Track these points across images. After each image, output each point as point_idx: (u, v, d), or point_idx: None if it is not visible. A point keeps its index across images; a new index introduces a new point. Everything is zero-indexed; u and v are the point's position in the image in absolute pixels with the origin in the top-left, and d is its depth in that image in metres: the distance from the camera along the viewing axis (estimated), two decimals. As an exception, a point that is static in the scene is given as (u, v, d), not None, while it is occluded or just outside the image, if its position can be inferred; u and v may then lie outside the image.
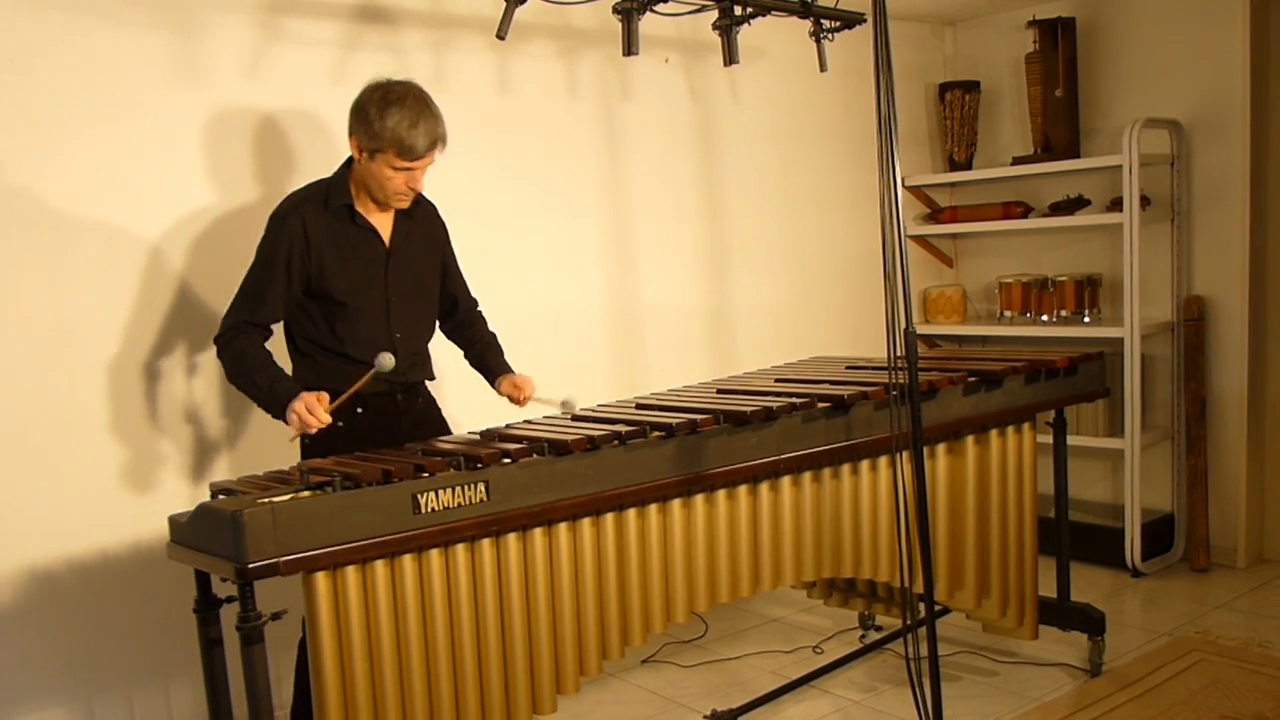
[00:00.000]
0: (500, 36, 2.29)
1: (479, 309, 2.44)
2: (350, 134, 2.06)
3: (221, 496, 1.70)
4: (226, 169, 2.46)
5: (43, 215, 2.23)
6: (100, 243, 2.30)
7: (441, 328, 2.39)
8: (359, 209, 2.12)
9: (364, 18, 2.63)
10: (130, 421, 2.36)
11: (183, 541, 1.70)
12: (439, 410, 2.32)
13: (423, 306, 2.26)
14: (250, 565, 1.54)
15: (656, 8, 2.36)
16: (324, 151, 2.58)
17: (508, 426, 2.08)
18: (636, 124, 3.17)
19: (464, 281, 2.40)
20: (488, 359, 2.36)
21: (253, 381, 2.02)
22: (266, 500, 1.57)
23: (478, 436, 2.00)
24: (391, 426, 2.15)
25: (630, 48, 2.35)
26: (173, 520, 1.72)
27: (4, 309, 2.19)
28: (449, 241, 2.34)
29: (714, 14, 2.54)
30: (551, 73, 2.98)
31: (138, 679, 2.39)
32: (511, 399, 2.29)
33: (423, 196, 2.25)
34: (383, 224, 2.16)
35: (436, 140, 2.05)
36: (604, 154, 3.11)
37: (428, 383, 2.30)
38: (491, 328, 2.43)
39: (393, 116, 1.99)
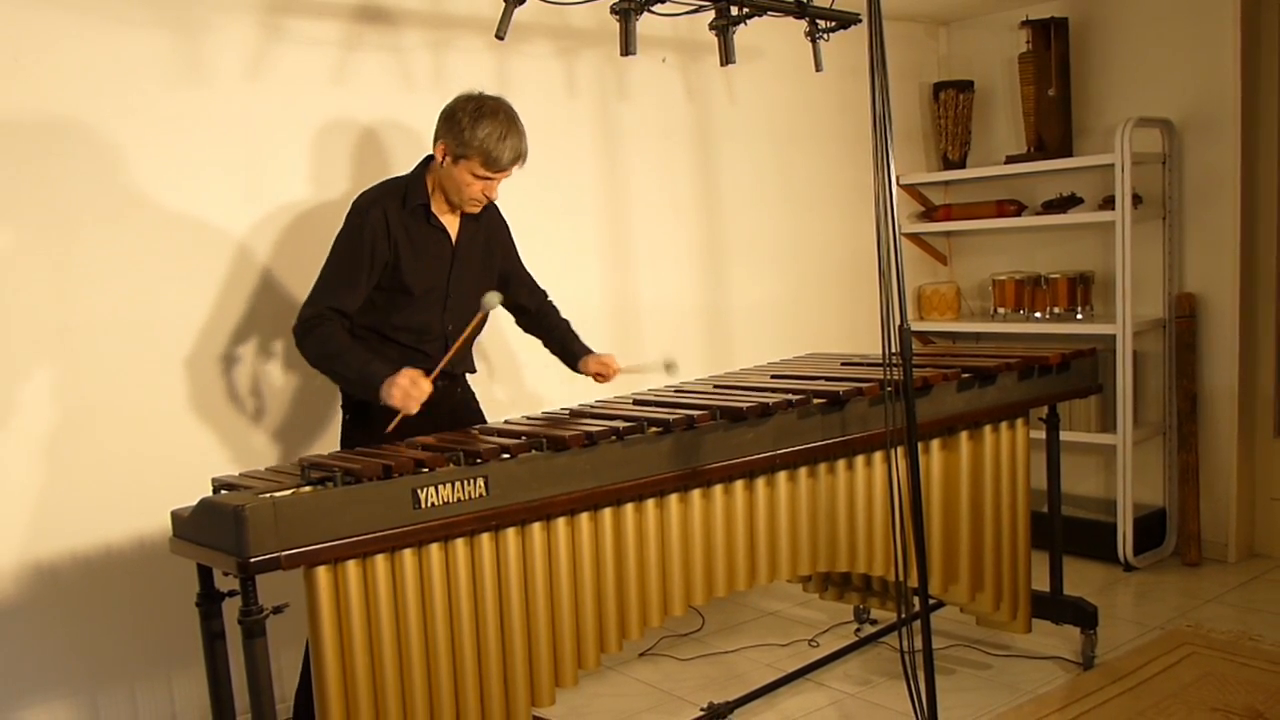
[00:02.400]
0: (499, 36, 2.31)
1: (549, 299, 2.54)
2: (437, 138, 2.15)
3: (224, 491, 1.71)
4: (226, 167, 2.47)
5: (45, 213, 2.24)
6: (101, 239, 2.30)
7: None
8: (434, 209, 2.21)
9: (364, 18, 2.64)
10: (134, 416, 2.37)
11: (185, 536, 1.71)
12: (476, 401, 2.41)
13: (475, 303, 2.32)
14: (252, 559, 1.55)
15: (654, 8, 2.37)
16: (325, 148, 2.60)
17: (506, 421, 2.10)
18: (634, 123, 3.18)
19: (530, 277, 2.50)
20: (568, 344, 2.47)
21: (345, 363, 2.06)
22: (268, 495, 1.59)
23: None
24: (431, 413, 2.17)
25: (628, 48, 2.36)
26: (175, 515, 1.73)
27: (13, 306, 2.20)
28: (512, 243, 2.45)
29: (711, 14, 2.55)
30: (550, 72, 3.00)
31: (141, 672, 2.41)
32: (599, 377, 2.40)
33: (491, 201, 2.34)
34: (451, 225, 2.26)
35: (520, 156, 2.15)
36: (602, 153, 3.13)
37: (468, 376, 2.39)
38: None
39: (484, 128, 2.09)
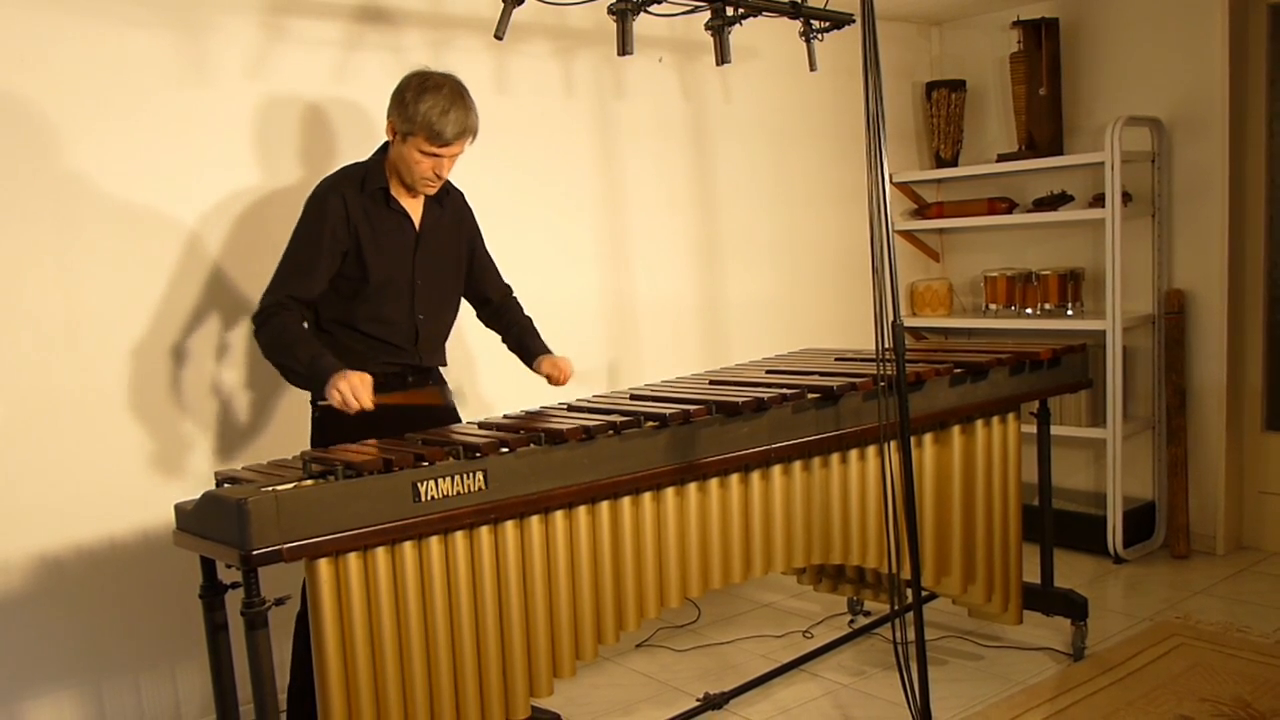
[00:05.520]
0: (498, 36, 2.32)
1: (513, 295, 2.50)
2: (387, 115, 2.12)
3: (227, 485, 1.72)
4: (226, 165, 2.48)
5: (51, 209, 2.25)
6: (107, 236, 2.32)
7: (479, 316, 2.47)
8: (393, 193, 2.18)
9: (365, 18, 2.66)
10: (141, 409, 2.39)
11: (189, 529, 1.72)
12: (451, 397, 2.37)
13: (446, 292, 2.31)
14: (255, 552, 1.56)
15: (650, 8, 2.39)
16: (325, 148, 2.62)
17: (504, 416, 2.12)
18: (631, 122, 3.20)
19: (496, 269, 2.46)
20: (525, 341, 2.42)
21: (294, 356, 2.02)
22: (270, 488, 1.60)
23: (475, 426, 2.04)
24: (404, 410, 2.18)
25: (625, 48, 2.37)
26: (179, 508, 1.75)
27: (16, 299, 2.22)
28: (478, 231, 2.40)
29: (706, 15, 2.56)
30: (548, 72, 3.02)
31: (145, 663, 2.43)
32: (550, 379, 2.35)
33: (453, 186, 2.31)
34: (414, 209, 2.22)
35: (466, 130, 2.10)
36: (599, 151, 3.15)
37: (440, 368, 2.35)
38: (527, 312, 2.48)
39: (426, 102, 2.05)
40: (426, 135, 2.07)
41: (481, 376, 2.90)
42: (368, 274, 2.15)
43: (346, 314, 2.18)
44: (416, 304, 2.22)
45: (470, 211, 2.38)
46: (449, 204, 2.29)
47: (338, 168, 2.25)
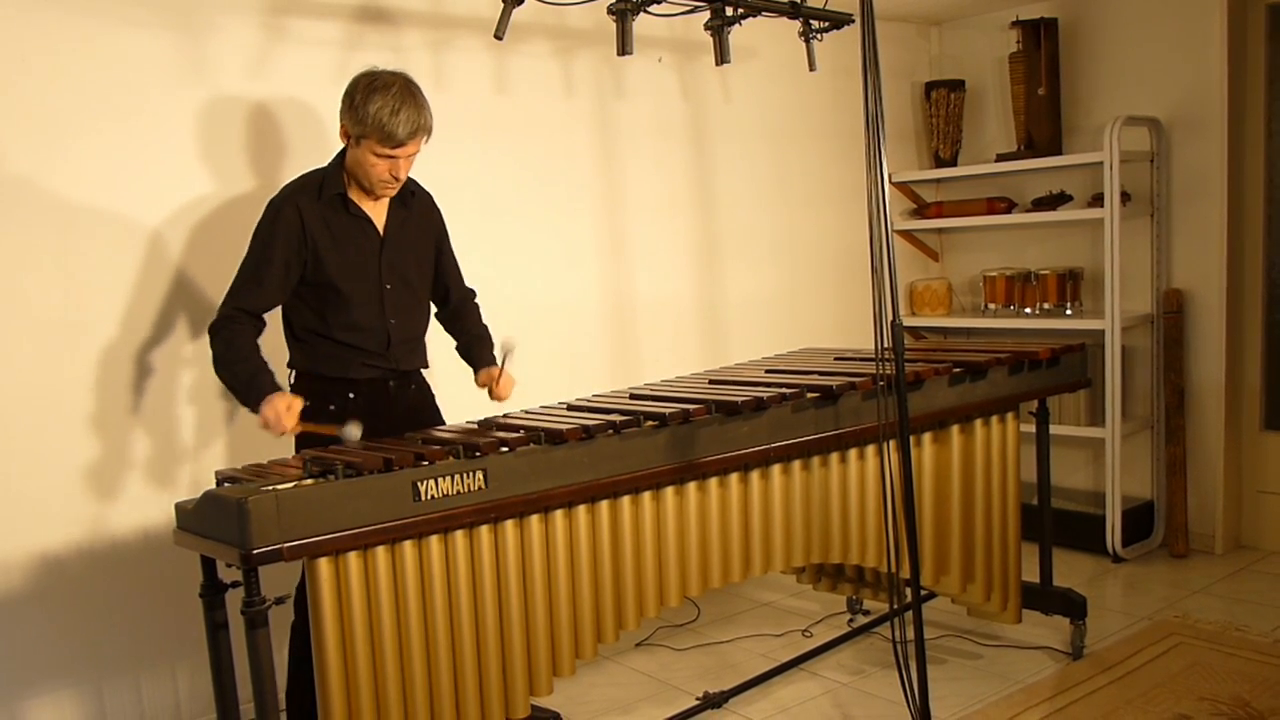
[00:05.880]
0: (498, 36, 2.32)
1: (474, 300, 2.45)
2: (340, 119, 2.09)
3: (227, 484, 1.72)
4: (228, 162, 2.49)
5: (51, 208, 2.26)
6: (108, 235, 2.33)
7: (437, 316, 2.41)
8: (352, 198, 2.14)
9: (365, 18, 2.66)
10: (139, 409, 2.39)
11: (189, 528, 1.73)
12: (433, 397, 2.35)
13: (416, 295, 2.28)
14: (255, 551, 1.56)
15: (650, 8, 2.39)
16: (326, 148, 2.62)
17: (505, 416, 2.12)
18: (631, 122, 3.21)
19: (459, 272, 2.41)
20: (474, 350, 2.37)
21: (233, 372, 2.02)
22: (270, 488, 1.60)
23: (475, 426, 2.04)
24: (383, 413, 2.18)
25: (625, 48, 2.38)
26: (179, 507, 1.75)
27: (14, 299, 2.22)
28: (445, 231, 2.36)
29: (706, 15, 2.56)
30: (548, 72, 3.02)
31: (145, 662, 2.43)
32: (490, 393, 2.30)
33: (419, 186, 2.27)
34: (376, 212, 2.18)
35: (418, 129, 2.05)
36: (599, 151, 3.15)
37: (422, 370, 2.33)
38: (485, 320, 2.46)
39: (375, 103, 2.01)
40: (378, 137, 2.02)
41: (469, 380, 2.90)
42: (332, 282, 2.12)
43: (319, 323, 2.15)
44: (386, 308, 2.19)
45: (438, 212, 2.34)
46: (414, 205, 2.25)
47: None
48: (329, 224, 2.12)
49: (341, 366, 2.14)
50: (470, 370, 2.38)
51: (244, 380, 2.01)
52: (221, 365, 2.05)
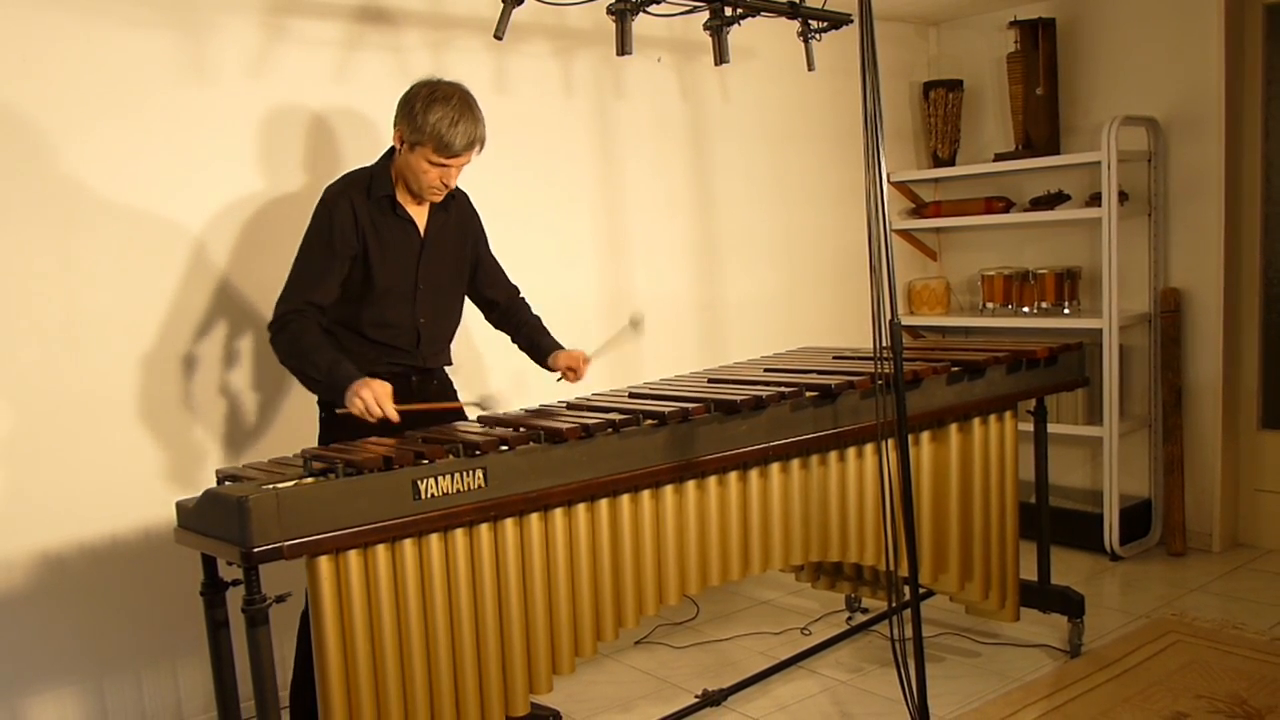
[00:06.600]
0: (498, 37, 2.32)
1: (521, 295, 2.50)
2: (395, 124, 2.12)
3: (228, 483, 1.73)
4: (228, 161, 2.49)
5: (54, 208, 2.26)
6: (113, 234, 2.33)
7: (488, 319, 2.48)
8: (399, 199, 2.18)
9: (365, 18, 2.67)
10: (146, 409, 2.40)
11: (190, 526, 1.73)
12: (455, 393, 2.38)
13: (449, 296, 2.31)
14: (255, 549, 1.57)
15: (649, 8, 2.40)
16: (326, 148, 2.62)
17: (504, 414, 2.12)
18: (630, 122, 3.21)
19: (502, 271, 2.46)
20: (536, 339, 2.42)
21: (312, 363, 2.02)
22: (271, 486, 1.61)
23: (475, 424, 2.05)
24: (422, 415, 2.17)
25: (624, 48, 2.38)
26: (180, 505, 1.75)
27: (19, 299, 2.23)
28: (483, 234, 2.40)
29: (705, 15, 2.57)
30: (548, 72, 3.03)
31: (147, 660, 2.44)
32: (569, 372, 2.34)
33: (459, 189, 2.30)
34: (419, 215, 2.23)
35: (474, 141, 2.11)
36: (599, 151, 3.16)
37: (445, 368, 2.36)
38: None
39: (435, 113, 2.06)
40: (435, 146, 2.07)
41: (491, 375, 2.91)
42: (373, 280, 2.15)
43: (350, 317, 2.18)
44: (419, 308, 2.23)
45: (475, 214, 2.38)
46: (454, 208, 2.29)
47: (342, 172, 2.25)
48: (376, 223, 2.15)
49: (368, 361, 2.15)
50: (475, 363, 2.38)
51: (324, 370, 2.01)
52: (294, 357, 2.05)
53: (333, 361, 2.03)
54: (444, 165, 2.11)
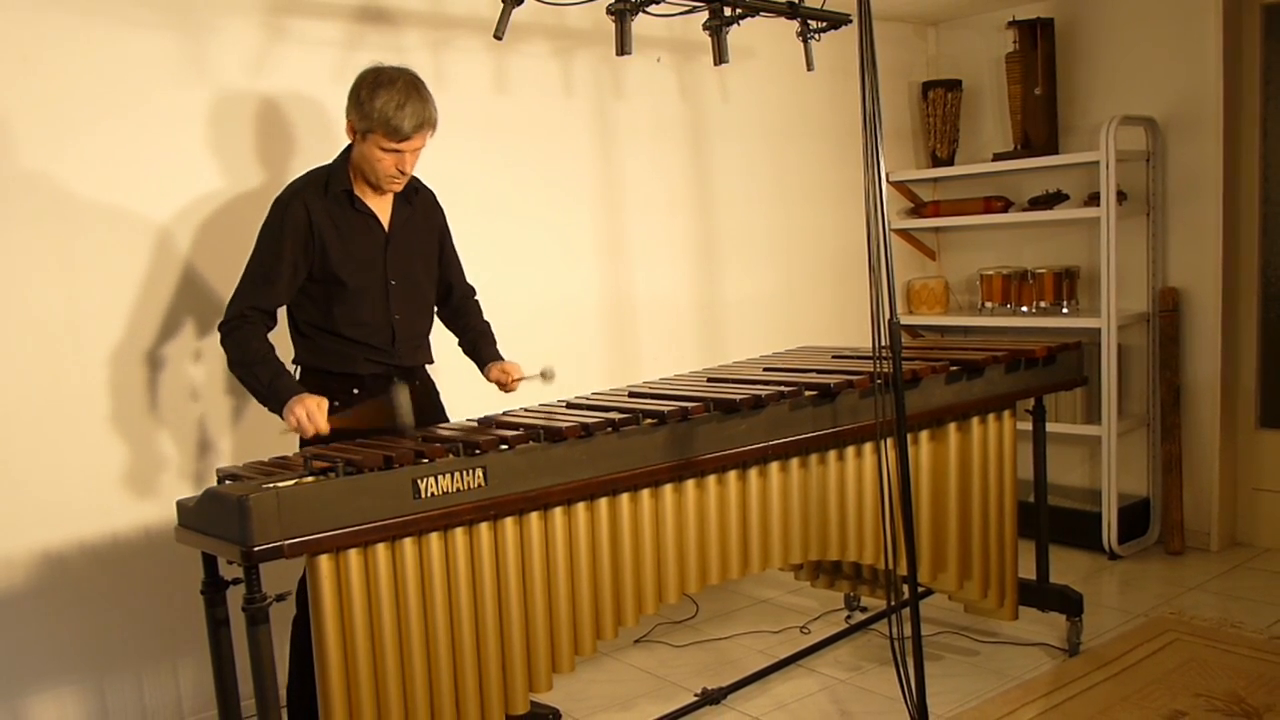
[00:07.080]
0: (498, 37, 2.32)
1: (475, 298, 2.47)
2: (346, 115, 2.10)
3: (228, 482, 1.73)
4: (230, 161, 2.50)
5: (53, 206, 2.27)
6: (111, 234, 2.34)
7: (439, 314, 2.43)
8: (358, 194, 2.16)
9: (365, 18, 2.67)
10: (141, 407, 2.40)
11: (190, 525, 1.74)
12: (438, 394, 2.36)
13: (422, 291, 2.29)
14: (256, 548, 1.57)
15: (649, 9, 2.40)
16: (326, 145, 2.63)
17: (505, 413, 2.13)
18: (630, 121, 3.22)
19: (461, 269, 2.43)
20: (479, 347, 2.39)
21: (254, 374, 2.04)
22: (271, 485, 1.61)
23: (475, 424, 2.05)
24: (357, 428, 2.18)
25: (623, 48, 2.38)
26: (181, 504, 1.76)
27: (15, 297, 2.23)
28: (447, 229, 2.38)
29: (704, 15, 2.57)
30: (547, 72, 3.03)
31: (147, 658, 2.44)
32: (500, 385, 2.33)
33: (422, 184, 2.29)
34: (382, 209, 2.20)
35: (424, 123, 2.07)
36: (598, 150, 3.16)
37: (427, 367, 2.34)
38: (486, 317, 2.46)
39: (381, 98, 2.03)
40: (385, 131, 2.04)
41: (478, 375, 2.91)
42: (339, 277, 2.13)
43: (324, 318, 2.17)
44: (392, 305, 2.21)
45: (440, 209, 2.35)
46: (418, 202, 2.27)
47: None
48: (335, 220, 2.13)
49: (346, 362, 2.15)
50: (471, 366, 2.38)
51: (265, 383, 2.02)
52: (238, 366, 2.07)
53: (274, 374, 2.03)
54: (397, 151, 2.07)
